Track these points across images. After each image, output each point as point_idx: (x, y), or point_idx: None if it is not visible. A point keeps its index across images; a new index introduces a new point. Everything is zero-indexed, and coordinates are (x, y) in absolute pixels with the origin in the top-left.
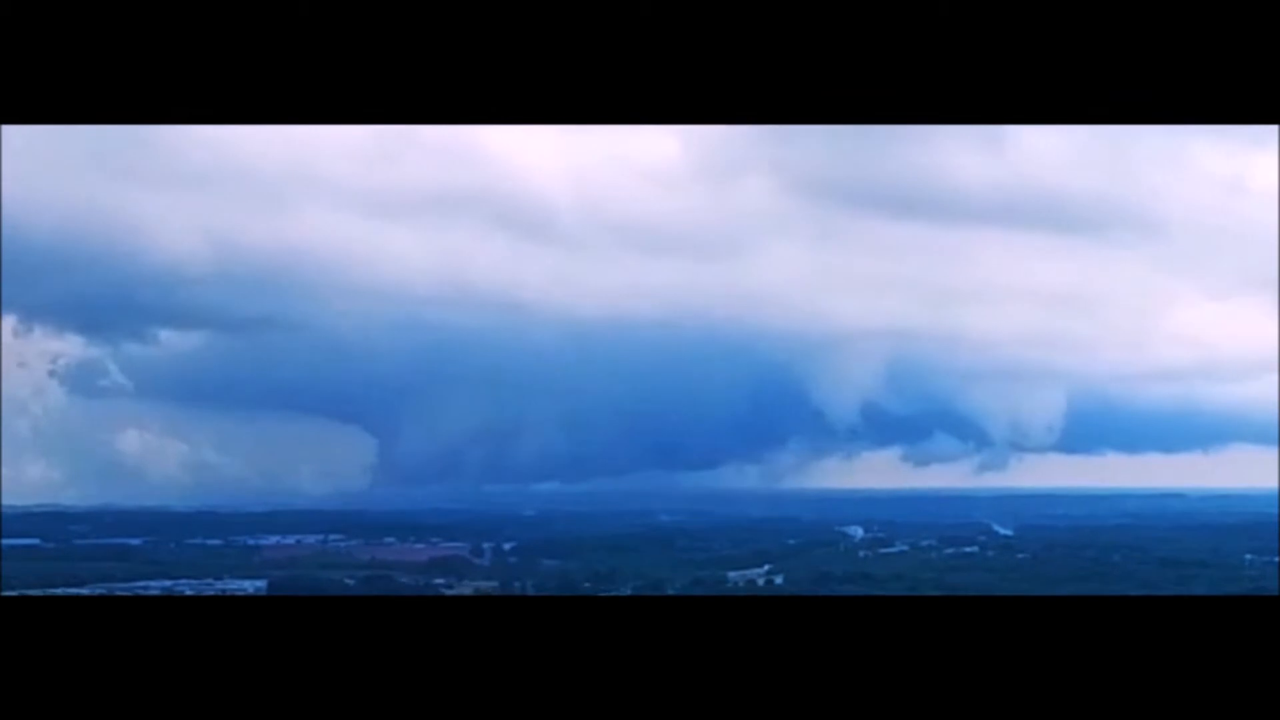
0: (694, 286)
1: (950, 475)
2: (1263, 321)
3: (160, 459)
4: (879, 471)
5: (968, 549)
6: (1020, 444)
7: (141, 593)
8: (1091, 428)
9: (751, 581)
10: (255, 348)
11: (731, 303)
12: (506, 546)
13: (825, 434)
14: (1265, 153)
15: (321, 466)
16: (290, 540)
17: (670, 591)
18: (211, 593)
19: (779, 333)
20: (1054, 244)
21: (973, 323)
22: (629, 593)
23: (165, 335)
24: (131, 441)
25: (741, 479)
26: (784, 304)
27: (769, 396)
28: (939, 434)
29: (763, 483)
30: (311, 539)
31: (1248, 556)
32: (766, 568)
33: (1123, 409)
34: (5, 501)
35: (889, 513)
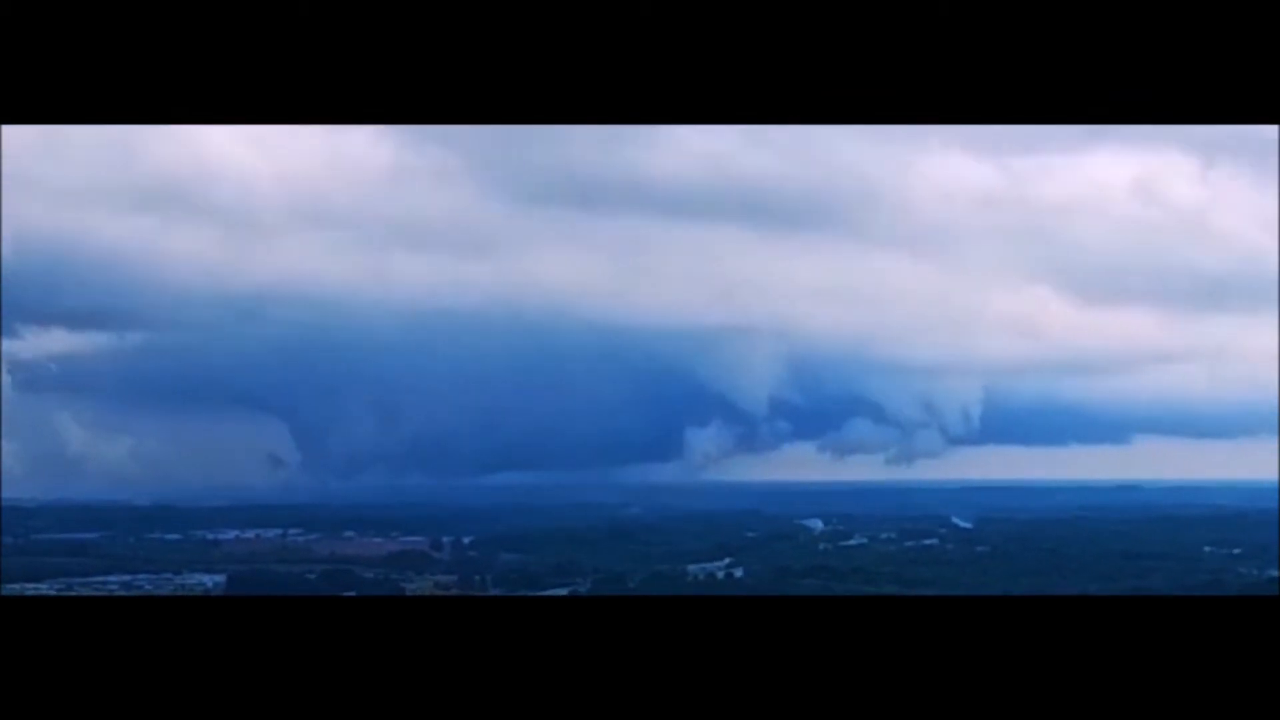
0: (482, 282)
1: (873, 467)
2: (1086, 317)
3: (88, 454)
4: (804, 465)
5: (927, 541)
6: (946, 436)
7: (100, 587)
8: (1004, 420)
9: (712, 575)
10: (126, 345)
11: (544, 299)
12: (466, 540)
13: (743, 428)
14: (923, 150)
15: (253, 461)
16: (249, 534)
17: (631, 584)
18: (170, 587)
19: (624, 328)
20: (796, 241)
21: (801, 319)
22: (589, 585)
23: (29, 332)
24: (55, 436)
25: (666, 474)
26: (608, 300)
27: (671, 393)
28: (855, 427)
29: (688, 476)
30: (270, 533)
31: (1206, 549)
32: (727, 561)
33: (1021, 402)
34: None
35: (823, 505)
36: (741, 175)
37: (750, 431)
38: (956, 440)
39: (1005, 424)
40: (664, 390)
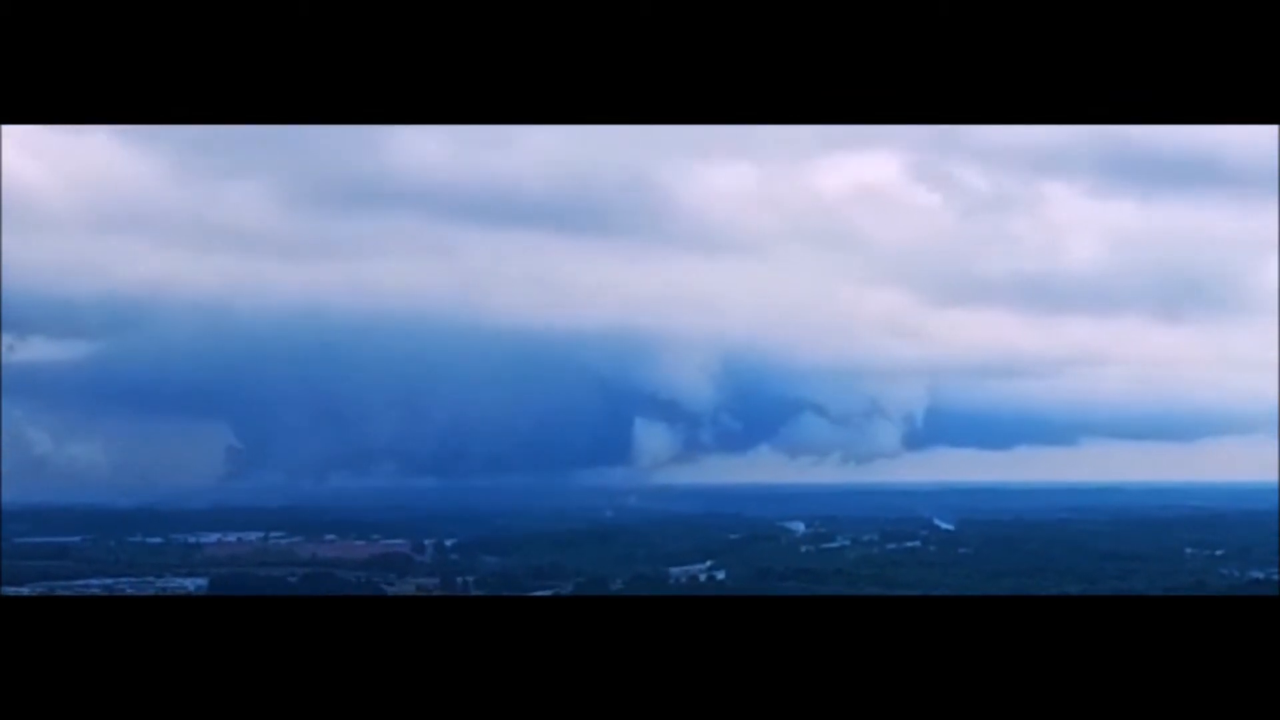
0: (334, 286)
1: (828, 469)
2: (953, 319)
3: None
4: (757, 467)
5: (909, 544)
6: (899, 439)
7: (82, 591)
8: (948, 422)
9: (694, 577)
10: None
11: (421, 304)
12: (448, 543)
13: (686, 431)
14: (683, 153)
15: (213, 463)
16: (231, 538)
17: (613, 587)
18: (152, 591)
19: (514, 332)
20: (604, 245)
21: (682, 323)
22: (571, 588)
23: None
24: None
25: (616, 478)
26: (484, 306)
27: (601, 397)
28: (801, 429)
29: (640, 480)
30: (252, 536)
31: (1188, 550)
32: (708, 563)
33: (953, 404)
34: None
35: (792, 507)
36: (506, 177)
37: (694, 434)
38: (913, 443)
39: (950, 426)
40: (593, 395)
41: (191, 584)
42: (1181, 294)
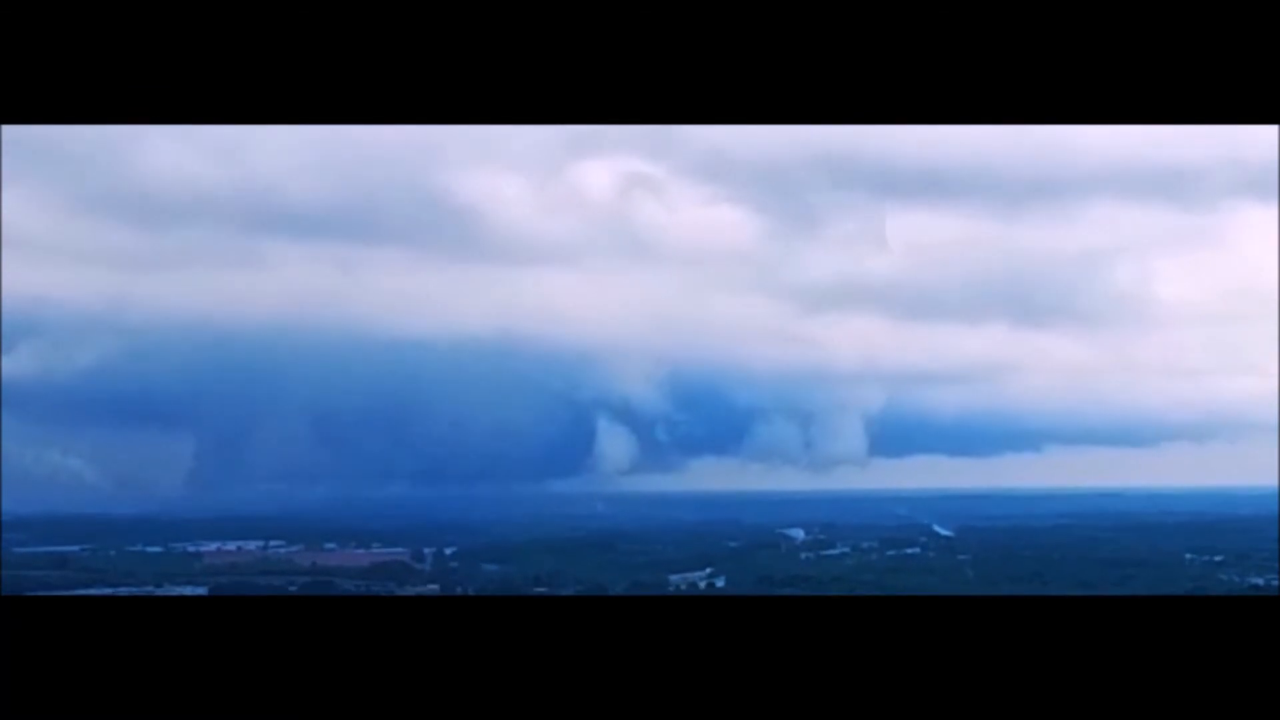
0: (177, 300)
1: (791, 476)
2: (827, 324)
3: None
4: (722, 475)
5: (909, 550)
6: (867, 445)
7: None
8: (905, 429)
9: (693, 584)
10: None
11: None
12: (448, 551)
13: (637, 439)
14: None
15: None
16: (231, 546)
17: (613, 594)
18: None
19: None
20: (413, 256)
21: (568, 337)
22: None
23: None
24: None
25: (576, 486)
26: (347, 317)
27: (551, 407)
28: (764, 436)
29: (598, 488)
30: (252, 545)
31: (1188, 555)
32: (708, 570)
33: (897, 411)
34: None
35: (793, 514)
36: (266, 185)
37: (652, 441)
38: (880, 449)
39: (908, 432)
40: (533, 404)
41: (191, 593)
42: (1023, 303)
